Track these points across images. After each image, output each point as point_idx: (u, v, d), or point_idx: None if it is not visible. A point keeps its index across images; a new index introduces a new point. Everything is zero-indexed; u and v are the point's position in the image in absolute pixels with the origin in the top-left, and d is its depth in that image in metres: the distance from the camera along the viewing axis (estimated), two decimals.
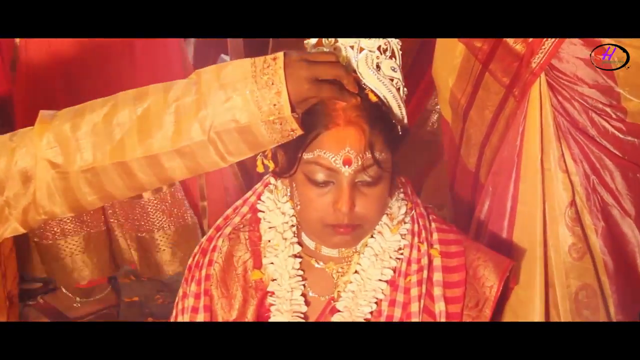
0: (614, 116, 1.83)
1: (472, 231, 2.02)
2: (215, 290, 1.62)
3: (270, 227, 1.62)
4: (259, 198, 1.66)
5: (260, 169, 1.56)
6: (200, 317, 1.60)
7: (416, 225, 1.61)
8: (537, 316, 1.87)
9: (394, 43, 1.52)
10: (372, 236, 1.59)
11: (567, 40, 1.80)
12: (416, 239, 1.60)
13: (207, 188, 2.88)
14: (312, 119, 1.45)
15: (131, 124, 1.39)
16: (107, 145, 1.39)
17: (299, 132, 1.39)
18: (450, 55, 2.03)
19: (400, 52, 1.54)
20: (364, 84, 1.50)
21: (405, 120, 1.54)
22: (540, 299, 1.87)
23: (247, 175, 2.99)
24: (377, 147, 1.47)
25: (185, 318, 1.62)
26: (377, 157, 1.47)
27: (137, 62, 2.68)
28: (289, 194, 1.58)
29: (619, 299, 1.91)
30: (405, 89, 1.54)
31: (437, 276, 1.58)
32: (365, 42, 1.50)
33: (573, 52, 1.81)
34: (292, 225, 1.61)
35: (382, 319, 1.56)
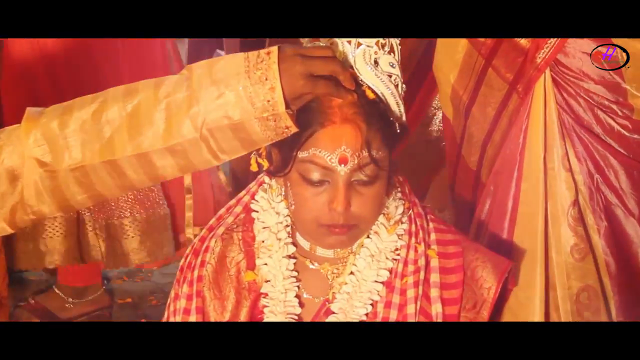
0: (620, 113, 1.81)
1: (473, 231, 2.00)
2: (207, 292, 1.60)
3: (264, 227, 1.60)
4: (252, 197, 1.64)
5: (254, 167, 1.54)
6: (193, 319, 1.58)
7: (413, 226, 1.59)
8: (537, 318, 1.85)
9: (393, 38, 1.50)
10: (368, 236, 1.57)
11: None
12: (413, 240, 1.58)
13: (192, 182, 2.91)
14: (307, 116, 1.42)
15: (121, 121, 1.36)
16: (97, 143, 1.37)
17: (294, 129, 1.37)
18: (452, 50, 2.01)
19: (399, 47, 1.52)
20: (361, 80, 1.48)
21: (404, 118, 1.52)
22: (540, 301, 1.85)
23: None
24: (374, 146, 1.45)
25: (177, 320, 1.60)
26: (374, 156, 1.45)
27: (125, 56, 2.68)
28: (283, 193, 1.56)
29: (621, 300, 1.89)
30: (404, 86, 1.52)
31: (434, 277, 1.56)
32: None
33: (580, 46, 1.79)
34: (287, 226, 1.59)
35: (378, 321, 1.54)
